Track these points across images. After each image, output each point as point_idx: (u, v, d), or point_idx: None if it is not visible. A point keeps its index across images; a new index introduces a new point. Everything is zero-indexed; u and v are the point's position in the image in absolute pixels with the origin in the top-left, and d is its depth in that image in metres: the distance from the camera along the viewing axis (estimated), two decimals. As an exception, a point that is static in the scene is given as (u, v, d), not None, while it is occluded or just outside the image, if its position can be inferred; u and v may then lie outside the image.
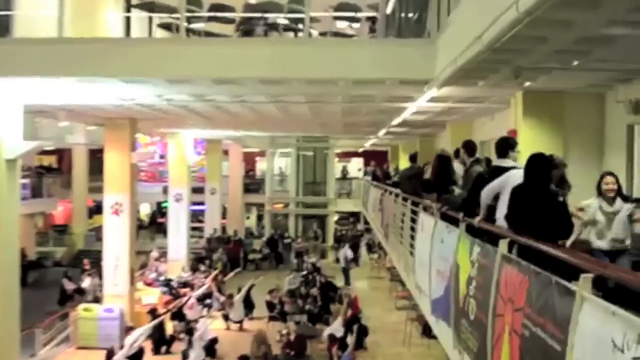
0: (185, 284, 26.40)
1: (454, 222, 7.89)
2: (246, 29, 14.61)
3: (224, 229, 37.45)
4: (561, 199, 5.83)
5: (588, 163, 12.31)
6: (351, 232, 39.93)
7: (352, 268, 30.48)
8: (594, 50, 8.28)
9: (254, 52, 11.83)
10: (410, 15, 14.57)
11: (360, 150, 43.94)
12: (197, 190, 35.45)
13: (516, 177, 6.46)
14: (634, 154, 11.74)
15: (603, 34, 7.30)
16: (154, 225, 42.68)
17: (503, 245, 5.59)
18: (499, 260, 5.55)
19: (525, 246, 5.25)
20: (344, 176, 43.85)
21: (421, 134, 26.53)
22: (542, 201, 5.72)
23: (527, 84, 11.21)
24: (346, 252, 30.54)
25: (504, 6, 6.30)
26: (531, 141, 11.68)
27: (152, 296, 23.75)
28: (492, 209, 6.88)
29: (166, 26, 15.34)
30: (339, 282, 27.70)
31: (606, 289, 3.98)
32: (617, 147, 12.04)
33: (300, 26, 14.52)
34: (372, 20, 15.17)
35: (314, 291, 23.89)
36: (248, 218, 43.24)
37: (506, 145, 7.36)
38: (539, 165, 5.90)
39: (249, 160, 46.18)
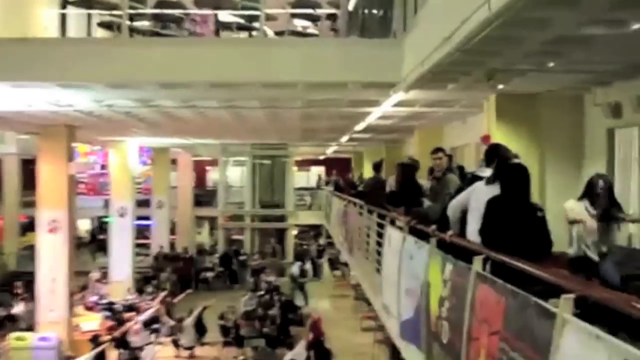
0: (130, 308, 26.05)
1: (424, 236, 7.92)
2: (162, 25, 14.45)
3: (172, 245, 37.08)
4: (540, 213, 5.89)
5: (566, 169, 12.54)
6: (304, 247, 39.90)
7: (306, 282, 30.39)
8: (571, 51, 8.42)
9: (204, 53, 11.79)
10: (375, 12, 14.67)
11: (322, 157, 44.02)
12: (143, 204, 35.05)
13: (480, 188, 6.52)
14: (615, 160, 11.96)
15: (581, 34, 7.43)
16: (94, 242, 42.07)
17: (477, 262, 5.62)
18: (473, 279, 5.59)
19: (503, 264, 5.30)
20: (318, 187, 43.82)
21: (387, 139, 26.69)
22: (521, 215, 5.79)
23: (501, 86, 11.35)
24: (294, 268, 30.63)
25: (474, 5, 6.38)
26: (505, 147, 11.85)
27: (93, 322, 23.37)
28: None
29: (107, 25, 15.15)
30: (300, 301, 27.67)
31: (587, 306, 4.04)
32: (597, 152, 12.25)
33: (256, 25, 14.47)
34: (333, 18, 15.22)
35: (273, 312, 23.80)
36: (199, 233, 42.88)
37: (495, 153, 7.37)
38: (518, 176, 5.97)
39: (200, 169, 45.88)
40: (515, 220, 5.76)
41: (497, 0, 5.87)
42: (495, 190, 6.16)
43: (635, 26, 6.99)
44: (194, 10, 14.74)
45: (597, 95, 11.79)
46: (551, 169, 12.61)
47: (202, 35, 13.56)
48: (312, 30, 15.59)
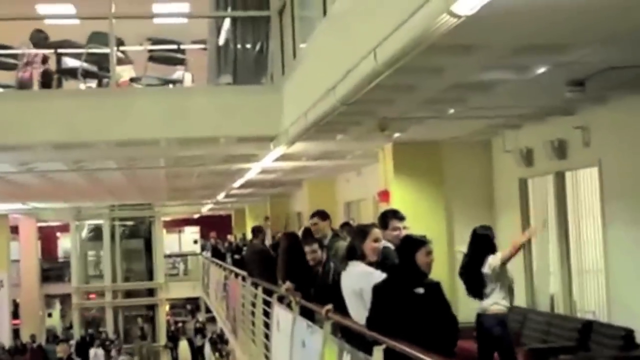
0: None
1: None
2: None
3: (16, 333, 35.84)
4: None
5: (476, 223, 12.77)
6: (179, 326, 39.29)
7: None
8: (472, 97, 8.73)
9: (43, 109, 11.45)
10: (249, 47, 14.72)
11: (197, 216, 43.65)
12: (-25, 284, 33.86)
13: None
14: (530, 212, 12.33)
15: (481, 79, 7.75)
16: None
17: (378, 353, 5.64)
18: (374, 375, 5.60)
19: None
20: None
21: (272, 194, 26.79)
22: (403, 297, 5.82)
23: (397, 134, 11.59)
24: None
25: (358, 55, 6.49)
26: (405, 202, 11.99)
27: None
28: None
29: None
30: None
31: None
32: (510, 204, 12.61)
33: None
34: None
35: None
36: (50, 315, 41.63)
37: (385, 219, 7.44)
38: (407, 250, 6.02)
39: (49, 237, 44.65)
40: (404, 306, 5.78)
41: (383, 50, 5.96)
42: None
43: (539, 70, 7.33)
44: (34, 50, 14.38)
45: (506, 140, 12.20)
46: (460, 225, 12.84)
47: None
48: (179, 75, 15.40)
